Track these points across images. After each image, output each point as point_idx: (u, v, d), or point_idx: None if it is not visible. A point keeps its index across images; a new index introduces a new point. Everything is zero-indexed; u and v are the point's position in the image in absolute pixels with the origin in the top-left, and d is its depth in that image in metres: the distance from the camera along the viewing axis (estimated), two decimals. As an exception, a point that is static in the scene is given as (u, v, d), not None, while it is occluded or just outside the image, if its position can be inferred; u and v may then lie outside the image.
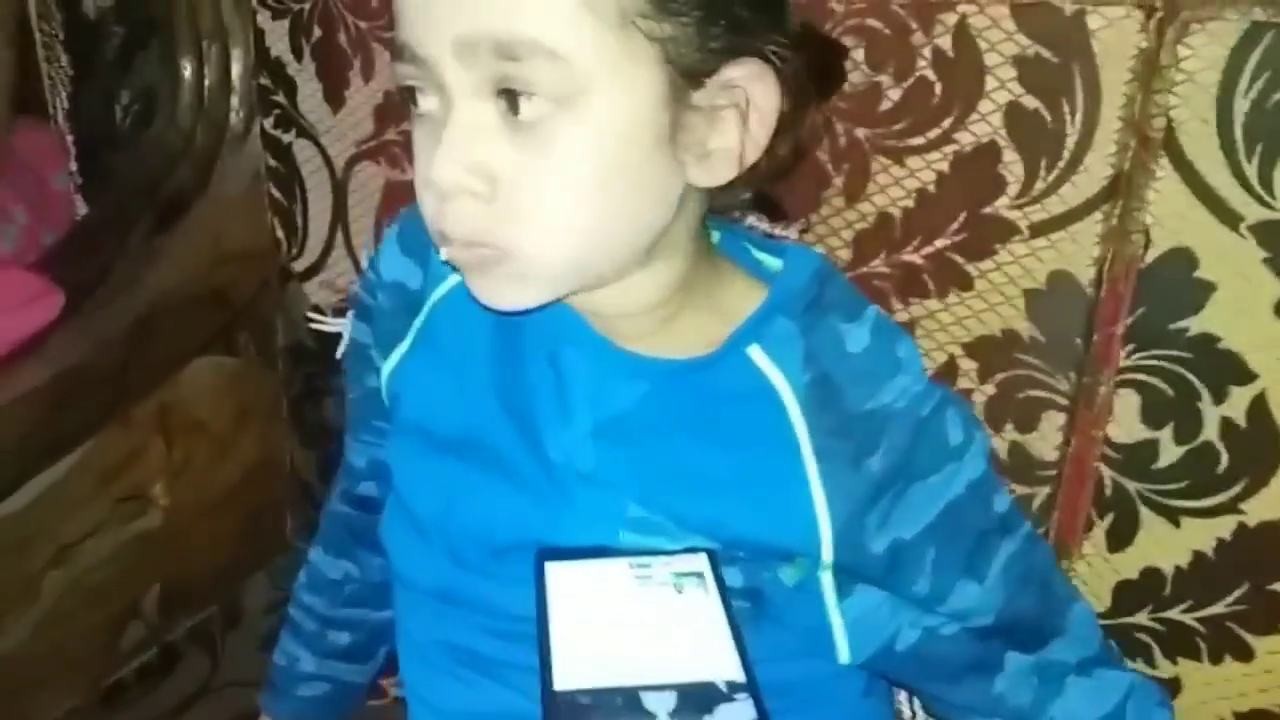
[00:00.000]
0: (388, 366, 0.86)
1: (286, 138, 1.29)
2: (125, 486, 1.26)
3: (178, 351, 1.32)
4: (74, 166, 1.49)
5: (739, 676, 0.63)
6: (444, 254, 0.72)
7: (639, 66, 0.65)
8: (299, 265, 1.33)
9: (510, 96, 0.65)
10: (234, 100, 1.37)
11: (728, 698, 0.62)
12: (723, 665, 0.64)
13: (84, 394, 1.21)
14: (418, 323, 0.85)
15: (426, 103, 0.69)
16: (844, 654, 0.77)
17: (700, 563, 0.71)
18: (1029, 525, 0.80)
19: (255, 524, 1.40)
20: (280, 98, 1.28)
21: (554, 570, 0.71)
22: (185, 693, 1.35)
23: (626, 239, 0.71)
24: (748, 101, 0.69)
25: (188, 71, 1.36)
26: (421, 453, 0.83)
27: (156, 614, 1.31)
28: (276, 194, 1.32)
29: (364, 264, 1.21)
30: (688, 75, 0.67)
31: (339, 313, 1.31)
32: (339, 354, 1.30)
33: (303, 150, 1.28)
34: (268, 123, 1.30)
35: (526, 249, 0.69)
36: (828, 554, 0.73)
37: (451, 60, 0.66)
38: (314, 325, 1.32)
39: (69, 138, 1.49)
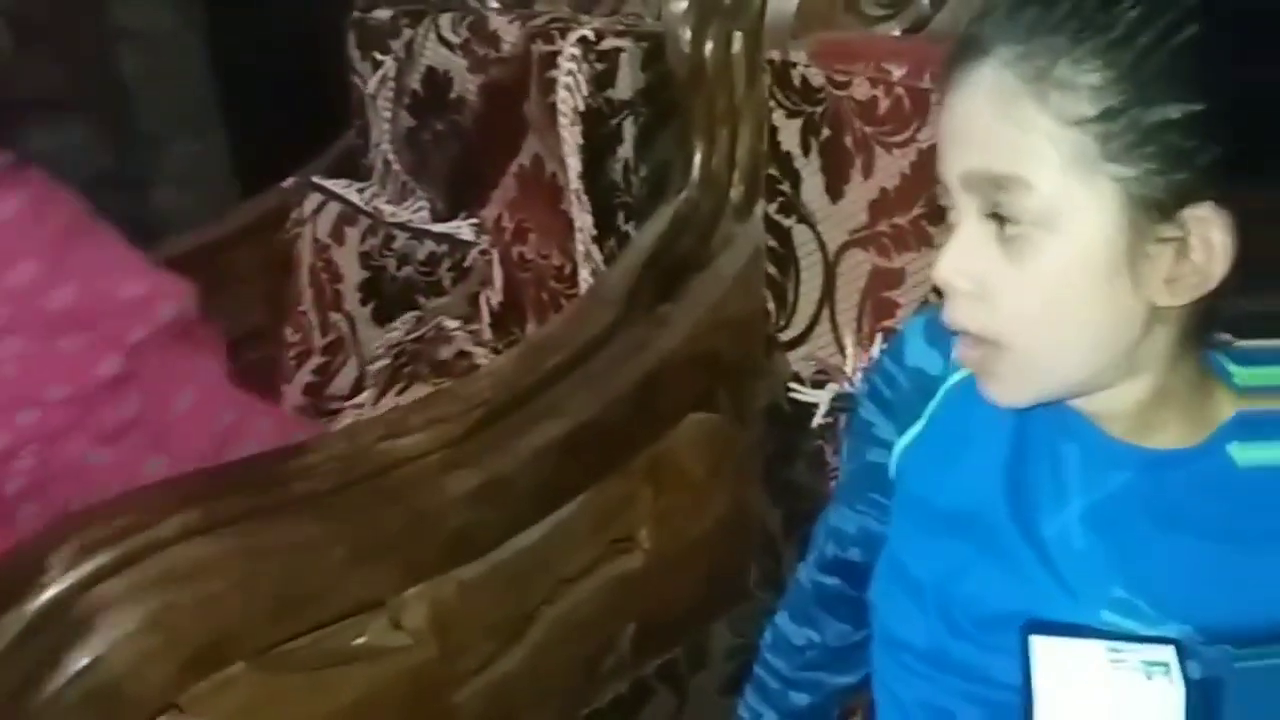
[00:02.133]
0: (901, 444, 1.01)
1: (787, 222, 1.48)
2: (617, 529, 1.41)
3: (675, 408, 1.47)
4: (590, 226, 1.70)
5: None
6: (955, 353, 0.91)
7: (1102, 201, 0.80)
8: (785, 336, 1.51)
9: (998, 218, 0.83)
10: (736, 178, 1.55)
11: None
12: None
13: (593, 445, 1.38)
14: (932, 406, 0.99)
15: (952, 215, 0.87)
16: None
17: (1168, 654, 0.82)
18: None
19: (722, 572, 1.54)
20: (785, 187, 1.47)
21: (1039, 644, 0.83)
22: (655, 728, 1.50)
23: (1093, 345, 0.85)
24: (1202, 238, 0.81)
25: (699, 152, 1.55)
26: (924, 524, 0.97)
27: (630, 651, 1.45)
28: (772, 271, 1.50)
29: (866, 346, 1.40)
30: (1148, 211, 0.80)
31: (816, 384, 1.48)
32: (813, 422, 1.47)
33: (800, 234, 1.47)
34: (772, 208, 1.49)
35: (1005, 343, 0.85)
36: None
37: (959, 186, 0.84)
38: (794, 394, 1.50)
39: (584, 199, 1.72)
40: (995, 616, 0.89)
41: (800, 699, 1.19)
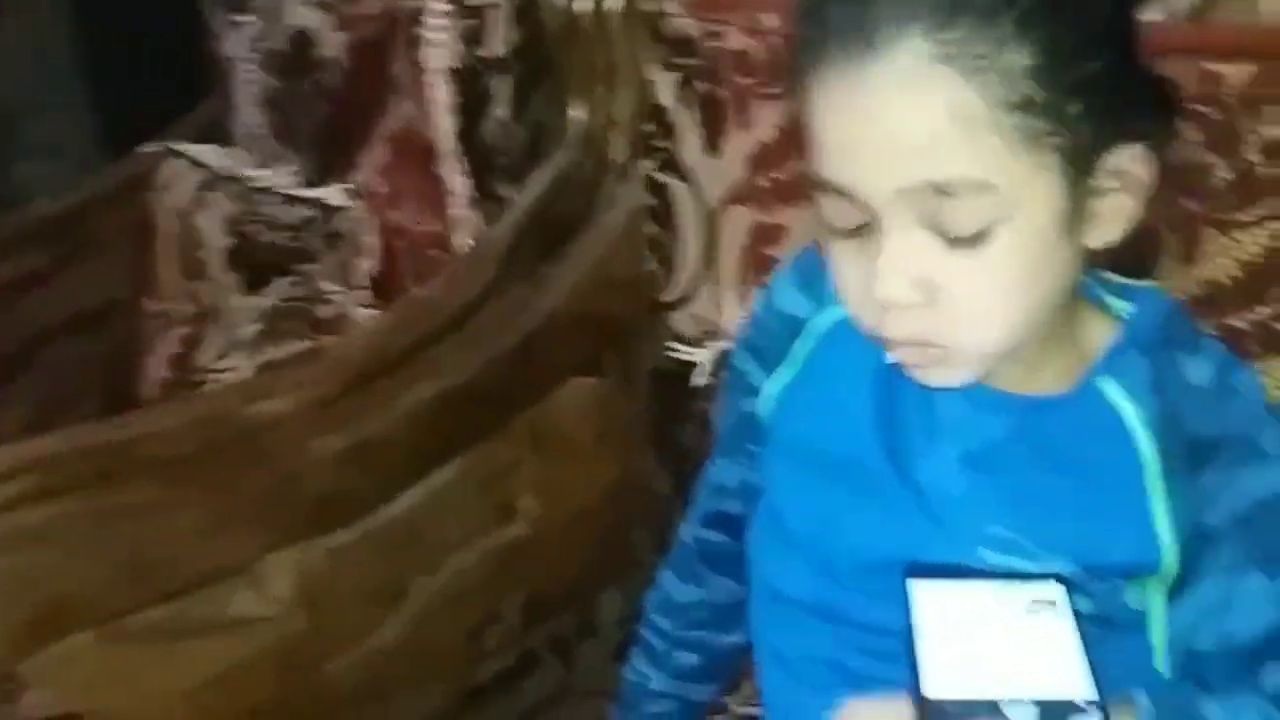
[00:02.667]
0: (771, 389, 1.00)
1: (666, 179, 1.46)
2: (499, 496, 1.39)
3: (555, 371, 1.45)
4: (467, 189, 1.68)
5: (1091, 695, 0.72)
6: (890, 357, 0.85)
7: (1049, 173, 0.78)
8: (669, 296, 1.49)
9: (948, 223, 0.78)
10: (618, 139, 1.52)
11: (1081, 712, 0.71)
12: (1076, 684, 0.73)
13: (470, 407, 1.36)
14: (803, 350, 0.98)
15: (853, 224, 0.81)
16: (1164, 666, 0.87)
17: (1054, 591, 0.81)
18: None
19: (612, 539, 1.53)
20: (663, 143, 1.45)
21: (920, 587, 0.81)
22: (540, 698, 1.47)
23: (1043, 314, 0.83)
24: (1130, 177, 0.81)
25: (577, 111, 1.53)
26: (799, 471, 0.96)
27: (517, 621, 1.43)
28: (654, 230, 1.48)
29: (749, 303, 1.36)
30: (1083, 166, 0.79)
31: (701, 344, 1.47)
32: (697, 381, 1.46)
33: (680, 191, 1.45)
34: (650, 165, 1.47)
35: (966, 345, 0.82)
36: (1172, 566, 0.85)
37: (891, 201, 0.77)
38: (678, 354, 1.49)
39: (459, 161, 1.69)
40: (875, 562, 0.89)
41: (688, 659, 1.18)
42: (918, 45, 0.74)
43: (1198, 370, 0.86)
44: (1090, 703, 0.72)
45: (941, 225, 0.77)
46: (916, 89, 0.74)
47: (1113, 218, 0.82)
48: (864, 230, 0.80)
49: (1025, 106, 0.74)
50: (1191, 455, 0.84)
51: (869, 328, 0.84)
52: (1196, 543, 0.84)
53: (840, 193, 0.79)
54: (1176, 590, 0.86)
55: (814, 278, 0.97)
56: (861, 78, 0.75)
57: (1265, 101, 0.98)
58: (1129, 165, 0.81)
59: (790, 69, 0.81)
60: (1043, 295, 0.82)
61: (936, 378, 0.85)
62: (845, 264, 0.84)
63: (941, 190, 0.76)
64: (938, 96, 0.74)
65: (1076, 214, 0.80)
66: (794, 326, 0.99)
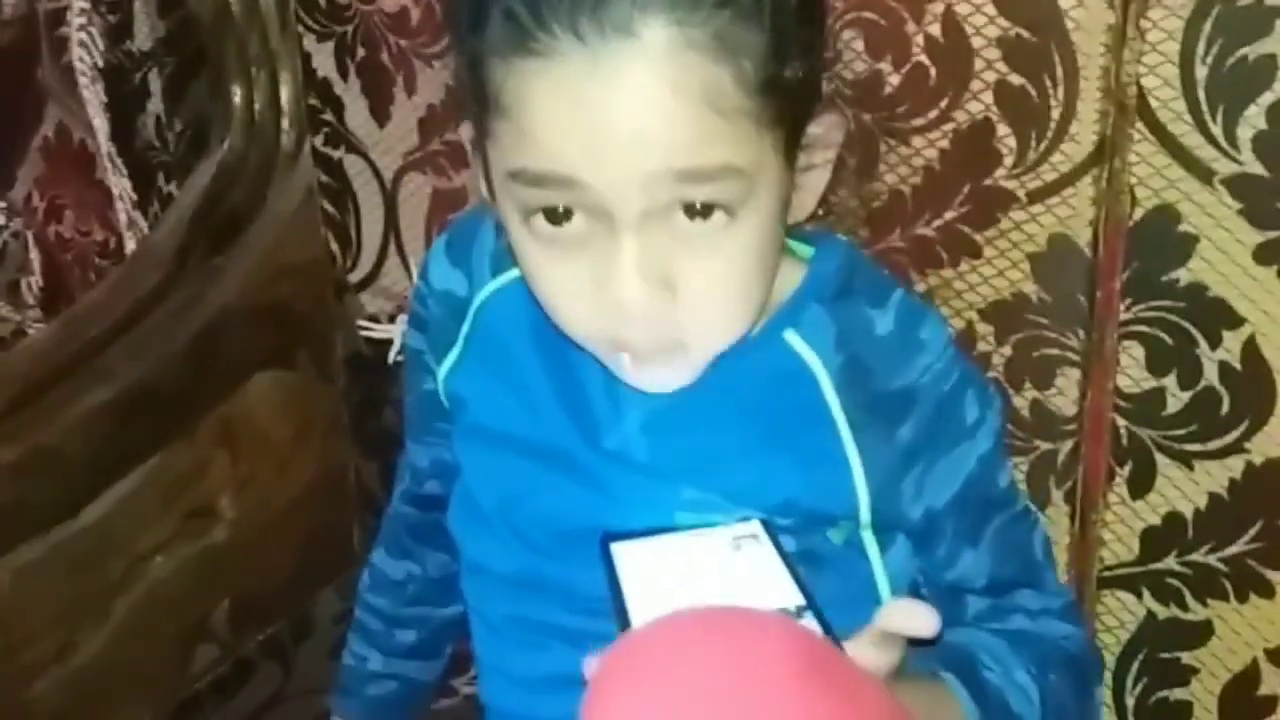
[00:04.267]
0: (442, 372, 0.99)
1: (336, 154, 1.44)
2: (192, 501, 1.37)
3: (239, 366, 1.43)
4: (129, 190, 1.65)
5: (800, 601, 0.74)
6: (620, 362, 0.83)
7: (776, 155, 0.79)
8: (354, 276, 1.47)
9: (691, 212, 0.76)
10: (284, 122, 1.52)
11: (795, 617, 0.72)
12: (784, 596, 0.75)
13: (149, 409, 1.33)
14: (465, 329, 0.97)
15: (571, 224, 0.77)
16: (887, 600, 0.90)
17: (754, 527, 0.83)
18: (1024, 501, 0.95)
19: (322, 537, 1.51)
20: (329, 116, 1.42)
21: (620, 548, 0.82)
22: (258, 702, 1.44)
23: (767, 290, 0.84)
24: (827, 146, 0.84)
25: (238, 97, 1.51)
26: (485, 449, 0.95)
27: (227, 628, 1.41)
28: (330, 209, 1.46)
29: (415, 275, 1.36)
30: (796, 141, 0.81)
31: (393, 320, 1.47)
32: (390, 360, 1.45)
33: (353, 165, 1.43)
34: (318, 140, 1.44)
35: (706, 337, 0.82)
36: (865, 516, 0.87)
37: (635, 192, 0.74)
38: (365, 333, 1.48)
39: (118, 162, 1.65)
40: (572, 532, 0.88)
41: (406, 636, 1.18)
42: (668, 32, 0.71)
43: (883, 321, 0.88)
44: (801, 608, 0.74)
45: (687, 214, 0.76)
46: (672, 76, 0.72)
47: (811, 191, 0.85)
48: (589, 231, 0.78)
49: (767, 88, 0.75)
50: (884, 408, 0.87)
51: (596, 334, 0.82)
52: (928, 525, 0.89)
53: (566, 186, 0.76)
54: (891, 539, 0.90)
55: (466, 251, 0.98)
56: (607, 67, 0.72)
57: (927, -1, 1.00)
58: (828, 134, 0.83)
59: (471, 56, 0.78)
60: (769, 282, 0.83)
61: (662, 378, 0.84)
62: (556, 269, 0.81)
63: (696, 179, 0.75)
64: (693, 82, 0.72)
65: (791, 193, 0.82)
66: (454, 305, 0.98)
